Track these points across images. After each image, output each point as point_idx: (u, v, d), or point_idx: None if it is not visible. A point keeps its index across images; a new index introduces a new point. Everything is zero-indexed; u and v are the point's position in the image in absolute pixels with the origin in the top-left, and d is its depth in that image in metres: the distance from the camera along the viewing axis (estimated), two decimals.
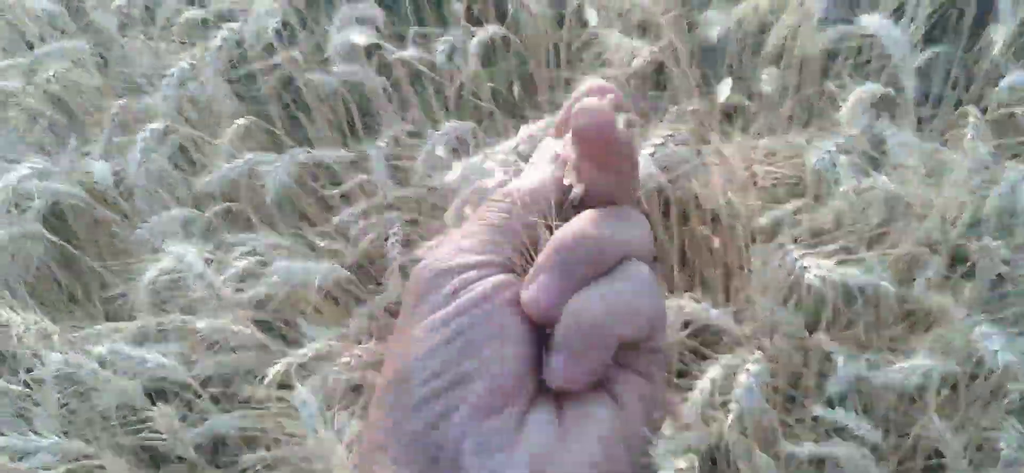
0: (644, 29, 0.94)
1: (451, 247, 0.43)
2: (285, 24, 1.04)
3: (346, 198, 1.03)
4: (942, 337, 0.72)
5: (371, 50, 1.09)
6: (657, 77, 0.98)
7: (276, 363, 0.82)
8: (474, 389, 0.39)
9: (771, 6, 0.90)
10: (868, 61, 0.94)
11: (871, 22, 0.81)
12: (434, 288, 0.41)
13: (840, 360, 0.72)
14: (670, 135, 0.71)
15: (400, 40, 1.10)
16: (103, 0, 1.15)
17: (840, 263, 0.69)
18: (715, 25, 0.91)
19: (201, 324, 0.86)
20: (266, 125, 1.10)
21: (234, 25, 1.00)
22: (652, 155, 0.70)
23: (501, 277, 0.42)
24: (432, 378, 0.39)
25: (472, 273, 0.42)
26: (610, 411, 0.42)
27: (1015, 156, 0.79)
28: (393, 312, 0.89)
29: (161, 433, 0.85)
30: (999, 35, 0.87)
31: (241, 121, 1.01)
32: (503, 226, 0.44)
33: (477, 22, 1.06)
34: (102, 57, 1.17)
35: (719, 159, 0.78)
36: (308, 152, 0.98)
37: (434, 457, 0.38)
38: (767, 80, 0.91)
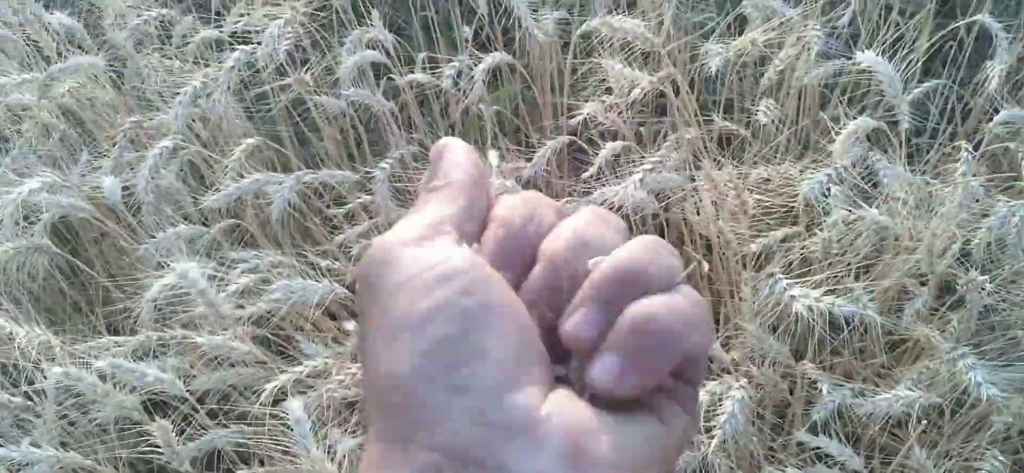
0: (647, 58, 0.95)
1: (415, 223, 0.39)
2: (298, 46, 1.05)
3: (350, 218, 1.04)
4: (928, 368, 0.72)
5: (380, 73, 1.11)
6: (657, 104, 0.99)
7: (274, 379, 0.83)
8: (471, 377, 0.34)
9: (770, 40, 0.91)
10: (865, 94, 0.95)
11: (866, 58, 0.81)
12: (402, 269, 0.37)
13: (825, 388, 0.72)
14: (659, 161, 0.72)
15: (410, 64, 1.12)
16: (120, 18, 1.17)
17: (828, 293, 0.69)
18: (715, 56, 0.92)
19: (201, 339, 0.87)
20: (275, 145, 1.12)
21: (247, 46, 1.01)
22: (641, 180, 0.71)
23: (468, 252, 0.38)
24: (425, 381, 0.35)
25: (440, 245, 0.38)
26: (656, 427, 0.38)
27: (1006, 190, 0.79)
28: None
29: (158, 447, 0.86)
30: (996, 71, 0.87)
31: (251, 140, 1.03)
32: (470, 201, 0.41)
33: (484, 48, 1.07)
34: (117, 73, 1.19)
35: (711, 186, 0.79)
36: (314, 173, 0.99)
37: (439, 470, 0.33)
38: (764, 111, 0.92)
